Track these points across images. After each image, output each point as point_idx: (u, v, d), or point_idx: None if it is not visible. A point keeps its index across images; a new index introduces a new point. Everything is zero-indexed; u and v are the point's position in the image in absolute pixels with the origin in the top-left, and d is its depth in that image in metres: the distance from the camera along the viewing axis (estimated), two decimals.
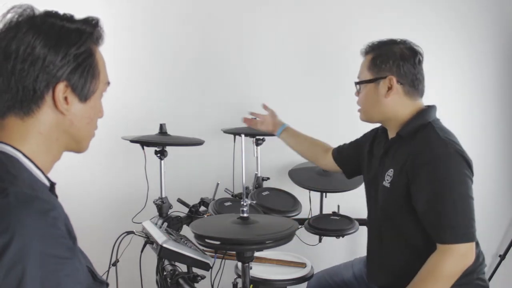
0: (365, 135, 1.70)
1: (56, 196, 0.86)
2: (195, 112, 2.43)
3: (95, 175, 2.41)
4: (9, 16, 0.82)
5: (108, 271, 1.50)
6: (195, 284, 1.44)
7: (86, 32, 0.86)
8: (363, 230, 2.04)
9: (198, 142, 1.94)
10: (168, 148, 1.90)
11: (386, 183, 1.43)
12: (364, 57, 1.51)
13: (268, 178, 2.27)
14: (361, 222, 2.03)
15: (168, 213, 1.88)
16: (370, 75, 1.46)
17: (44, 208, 0.72)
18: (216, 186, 1.99)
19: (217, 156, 2.42)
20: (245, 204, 1.34)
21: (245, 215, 1.33)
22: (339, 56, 2.44)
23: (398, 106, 1.44)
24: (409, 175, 1.35)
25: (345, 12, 2.44)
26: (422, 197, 1.32)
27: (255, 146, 2.23)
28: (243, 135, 1.61)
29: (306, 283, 1.66)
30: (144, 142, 1.82)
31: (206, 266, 1.41)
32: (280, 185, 2.17)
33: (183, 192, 2.09)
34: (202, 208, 1.97)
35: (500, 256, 2.52)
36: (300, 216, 1.98)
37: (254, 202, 1.84)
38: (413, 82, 1.43)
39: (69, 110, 0.85)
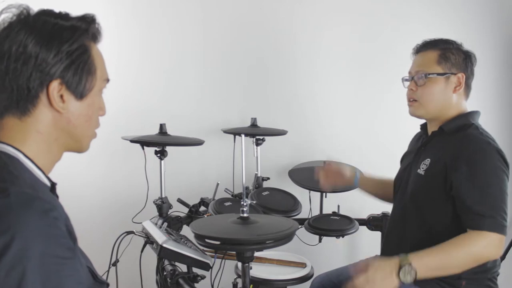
0: (409, 147, 1.71)
1: (57, 196, 0.86)
2: (195, 112, 2.43)
3: (95, 175, 2.41)
4: (3, 16, 0.82)
5: (108, 271, 1.50)
6: (195, 284, 1.44)
7: (80, 29, 0.84)
8: (363, 230, 2.05)
9: (198, 142, 1.94)
10: (168, 148, 1.90)
11: (421, 171, 1.47)
12: (424, 52, 1.51)
13: (268, 178, 2.27)
14: (361, 222, 2.03)
15: (168, 213, 1.88)
16: (440, 69, 1.47)
17: (44, 208, 0.72)
18: (216, 186, 1.99)
19: (217, 156, 2.42)
20: (245, 204, 1.33)
21: (245, 215, 1.33)
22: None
23: (455, 104, 1.48)
24: (448, 166, 1.38)
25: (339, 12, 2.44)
26: (467, 188, 1.34)
27: (255, 146, 2.23)
28: (243, 135, 1.62)
29: (306, 283, 1.66)
30: (144, 142, 1.82)
31: (206, 266, 1.41)
32: (280, 185, 2.17)
33: (183, 192, 2.09)
34: (202, 208, 1.97)
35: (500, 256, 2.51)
36: (300, 216, 1.98)
37: (254, 202, 1.84)
38: (471, 84, 1.50)
39: (65, 108, 0.84)
